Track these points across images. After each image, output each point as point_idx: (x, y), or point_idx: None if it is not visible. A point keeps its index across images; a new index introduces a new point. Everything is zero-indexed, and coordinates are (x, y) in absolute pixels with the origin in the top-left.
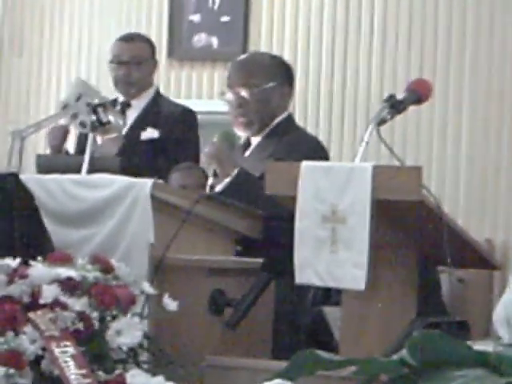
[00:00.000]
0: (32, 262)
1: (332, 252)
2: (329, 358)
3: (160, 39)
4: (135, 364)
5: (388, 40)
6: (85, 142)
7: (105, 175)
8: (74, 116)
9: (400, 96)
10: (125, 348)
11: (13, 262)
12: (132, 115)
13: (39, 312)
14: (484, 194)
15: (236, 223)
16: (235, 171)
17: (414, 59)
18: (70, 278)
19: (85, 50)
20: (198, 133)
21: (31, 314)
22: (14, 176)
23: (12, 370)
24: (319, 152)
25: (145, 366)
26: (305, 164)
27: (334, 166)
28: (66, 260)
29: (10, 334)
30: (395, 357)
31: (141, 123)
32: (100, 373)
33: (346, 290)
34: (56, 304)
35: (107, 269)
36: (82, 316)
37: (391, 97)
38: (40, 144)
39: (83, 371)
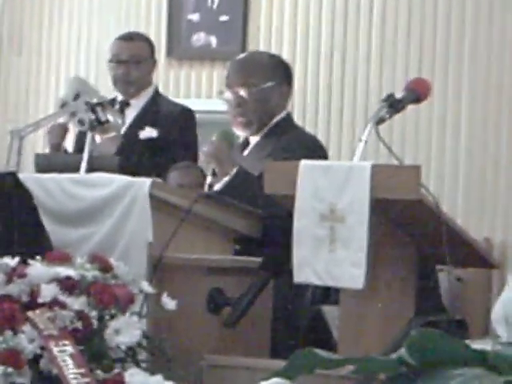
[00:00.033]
0: (31, 261)
1: (330, 251)
2: (327, 357)
3: (159, 38)
4: (134, 363)
5: (387, 39)
6: (83, 141)
7: (103, 174)
8: (73, 114)
9: (399, 95)
10: (123, 347)
11: (11, 261)
12: (131, 114)
13: (38, 311)
14: (483, 193)
15: (235, 222)
16: (234, 170)
17: (413, 59)
18: (68, 277)
19: (84, 48)
20: (197, 132)
21: (30, 313)
22: (13, 175)
23: (10, 369)
24: (318, 151)
25: (143, 365)
26: (303, 163)
27: (332, 165)
28: (65, 259)
29: (9, 333)
30: (394, 356)
31: (139, 122)
32: (98, 372)
33: (345, 289)
34: (55, 303)
35: (106, 268)
36: (80, 315)
37: (390, 96)
38: (39, 143)
39: (82, 370)
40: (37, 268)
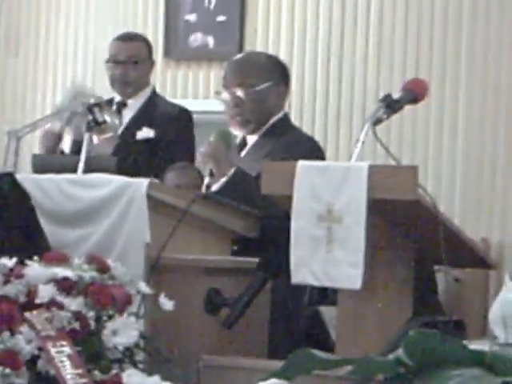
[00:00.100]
0: (28, 262)
1: (328, 251)
2: (325, 358)
3: (156, 39)
4: (131, 364)
5: (384, 39)
6: (81, 142)
7: (101, 175)
8: (69, 121)
9: (396, 95)
10: (121, 348)
11: (9, 262)
12: (128, 115)
13: (35, 312)
14: (480, 193)
15: (232, 223)
16: (232, 171)
17: (410, 59)
18: (66, 278)
19: (81, 49)
20: (194, 132)
21: (27, 314)
22: (10, 176)
23: (8, 370)
24: (316, 152)
25: (141, 366)
26: (301, 163)
27: (329, 166)
28: (62, 260)
29: (6, 333)
30: (391, 356)
31: (136, 123)
32: (96, 372)
33: (342, 290)
34: (52, 304)
35: (103, 268)
36: (78, 316)
37: (387, 96)
38: (36, 144)
39: (79, 371)
40: (34, 269)
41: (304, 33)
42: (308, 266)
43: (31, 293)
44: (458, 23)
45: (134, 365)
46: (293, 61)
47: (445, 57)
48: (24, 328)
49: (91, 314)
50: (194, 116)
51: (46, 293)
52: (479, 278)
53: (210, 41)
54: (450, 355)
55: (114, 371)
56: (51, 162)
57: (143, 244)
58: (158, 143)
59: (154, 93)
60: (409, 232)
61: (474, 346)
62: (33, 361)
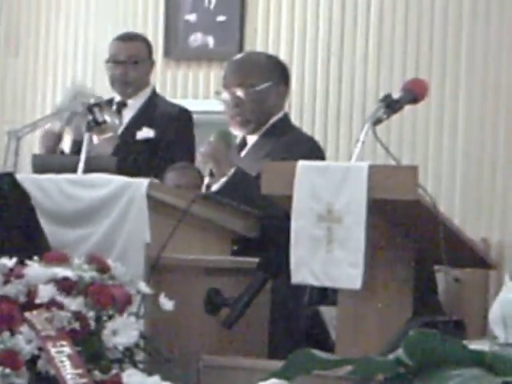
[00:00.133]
0: (28, 262)
1: (328, 251)
2: (325, 358)
3: (156, 39)
4: (131, 364)
5: (384, 39)
6: (81, 142)
7: (101, 175)
8: (69, 121)
9: (396, 95)
10: (121, 348)
11: (9, 262)
12: (128, 115)
13: (35, 312)
14: (480, 193)
15: (232, 223)
16: (232, 171)
17: (410, 59)
18: (66, 278)
19: (81, 49)
20: (194, 132)
21: (27, 314)
22: (10, 176)
23: (8, 370)
24: (316, 152)
25: (141, 366)
26: (301, 163)
27: (329, 166)
28: (62, 260)
29: (6, 333)
30: (391, 356)
31: (136, 123)
32: (96, 372)
33: (342, 290)
34: (52, 304)
35: (103, 268)
36: (78, 316)
37: (387, 96)
38: (36, 144)
39: (79, 371)
40: (34, 269)
41: (304, 33)
42: (308, 266)
43: (31, 293)
44: (457, 23)
45: (134, 365)
46: (293, 61)
47: (445, 57)
48: (24, 328)
49: (91, 314)
50: (194, 116)
51: (46, 293)
52: (479, 278)
53: (210, 41)
54: (450, 355)
55: (114, 371)
56: (51, 161)
57: (143, 244)
58: (158, 143)
59: (154, 93)
60: (409, 232)
61: (474, 345)
62: (33, 361)
